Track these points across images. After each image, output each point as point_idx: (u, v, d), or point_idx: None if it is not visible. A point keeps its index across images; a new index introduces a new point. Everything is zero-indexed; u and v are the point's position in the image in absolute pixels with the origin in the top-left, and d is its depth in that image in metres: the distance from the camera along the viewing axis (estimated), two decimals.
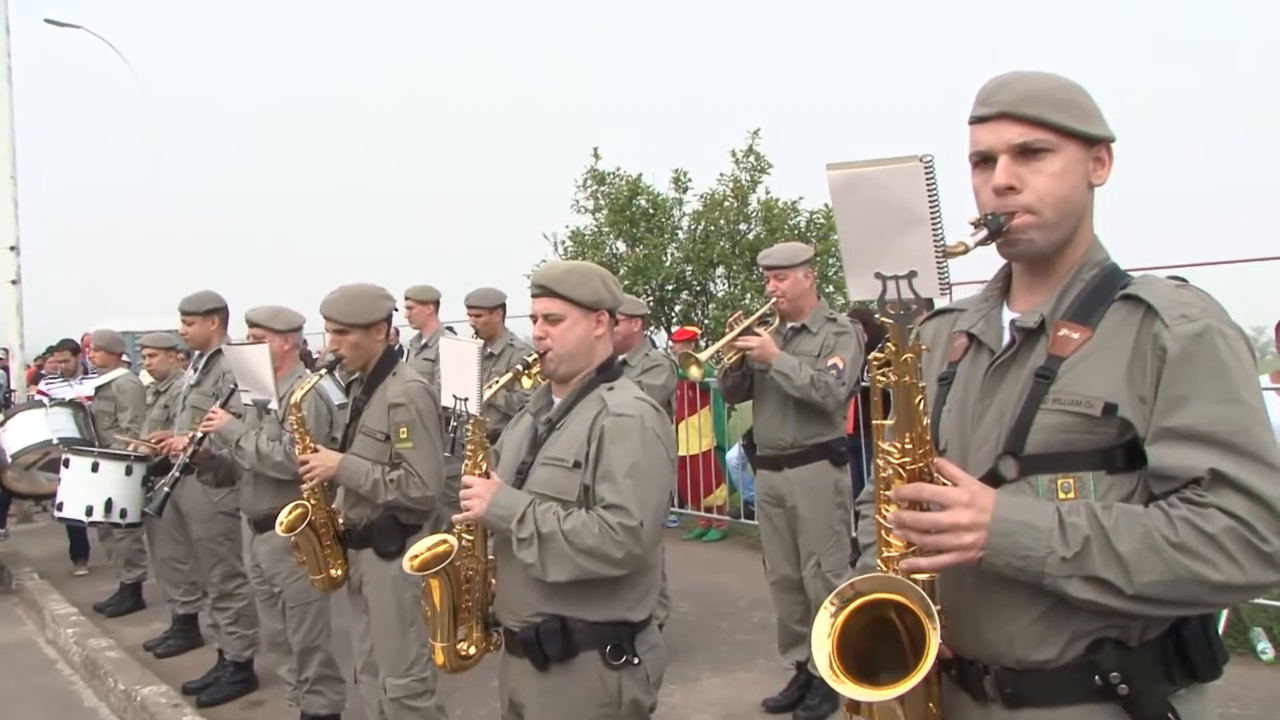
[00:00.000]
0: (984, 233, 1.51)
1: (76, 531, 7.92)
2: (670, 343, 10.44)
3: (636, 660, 2.43)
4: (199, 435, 4.59)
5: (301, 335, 4.81)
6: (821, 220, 13.26)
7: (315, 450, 3.61)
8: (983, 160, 1.58)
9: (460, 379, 2.55)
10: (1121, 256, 1.61)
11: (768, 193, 13.61)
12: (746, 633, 5.59)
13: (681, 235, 13.80)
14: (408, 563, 2.61)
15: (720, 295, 13.51)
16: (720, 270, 13.56)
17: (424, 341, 6.50)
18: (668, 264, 13.25)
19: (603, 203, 13.83)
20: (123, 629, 6.50)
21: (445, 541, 2.61)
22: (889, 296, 1.41)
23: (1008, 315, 1.66)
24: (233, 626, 5.28)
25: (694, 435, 8.20)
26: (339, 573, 3.73)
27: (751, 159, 13.54)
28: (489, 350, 5.69)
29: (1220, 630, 1.79)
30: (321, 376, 3.78)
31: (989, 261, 1.65)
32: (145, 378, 6.83)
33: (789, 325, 4.45)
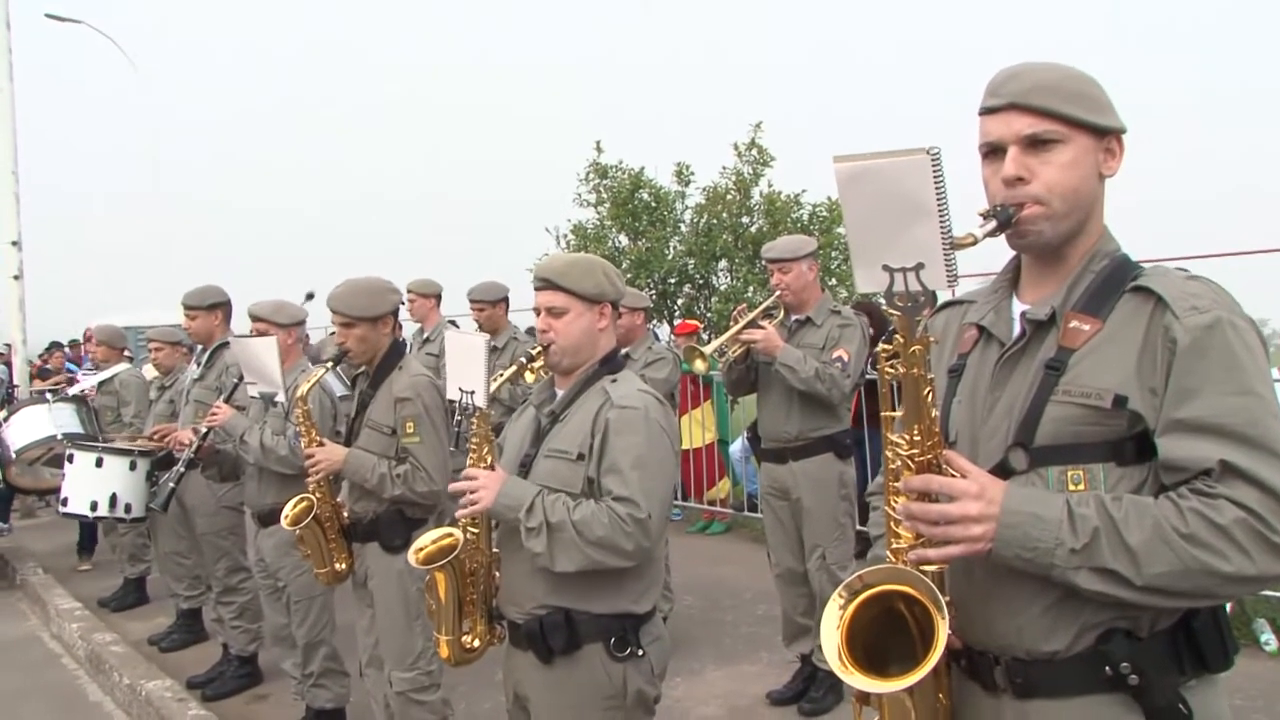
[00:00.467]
0: (993, 224, 1.51)
1: (86, 526, 7.93)
2: (672, 336, 10.45)
3: (641, 652, 2.43)
4: (204, 430, 4.60)
5: (304, 329, 4.81)
6: (824, 213, 13.28)
7: (321, 444, 3.61)
8: (992, 151, 1.58)
9: (466, 372, 2.55)
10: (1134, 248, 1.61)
11: (770, 186, 13.62)
12: (750, 625, 5.60)
13: (684, 228, 13.81)
14: (413, 556, 2.61)
15: (723, 288, 13.52)
16: (723, 263, 13.57)
17: (426, 335, 6.50)
18: (670, 257, 13.26)
19: (605, 196, 13.84)
20: (127, 624, 6.51)
21: (450, 535, 2.61)
22: (896, 288, 1.40)
23: (1017, 307, 1.66)
24: (237, 621, 5.29)
25: (696, 429, 8.21)
26: (343, 566, 3.73)
27: (754, 152, 13.55)
28: (492, 344, 5.69)
29: None
30: (327, 370, 3.78)
31: (996, 254, 1.65)
32: (149, 372, 6.83)
33: (793, 318, 4.45)
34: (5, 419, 6.98)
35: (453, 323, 6.92)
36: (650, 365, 5.06)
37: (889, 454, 1.55)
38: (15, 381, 10.83)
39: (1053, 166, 1.53)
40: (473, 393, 2.51)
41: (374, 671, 3.72)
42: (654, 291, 13.05)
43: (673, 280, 13.45)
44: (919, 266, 1.38)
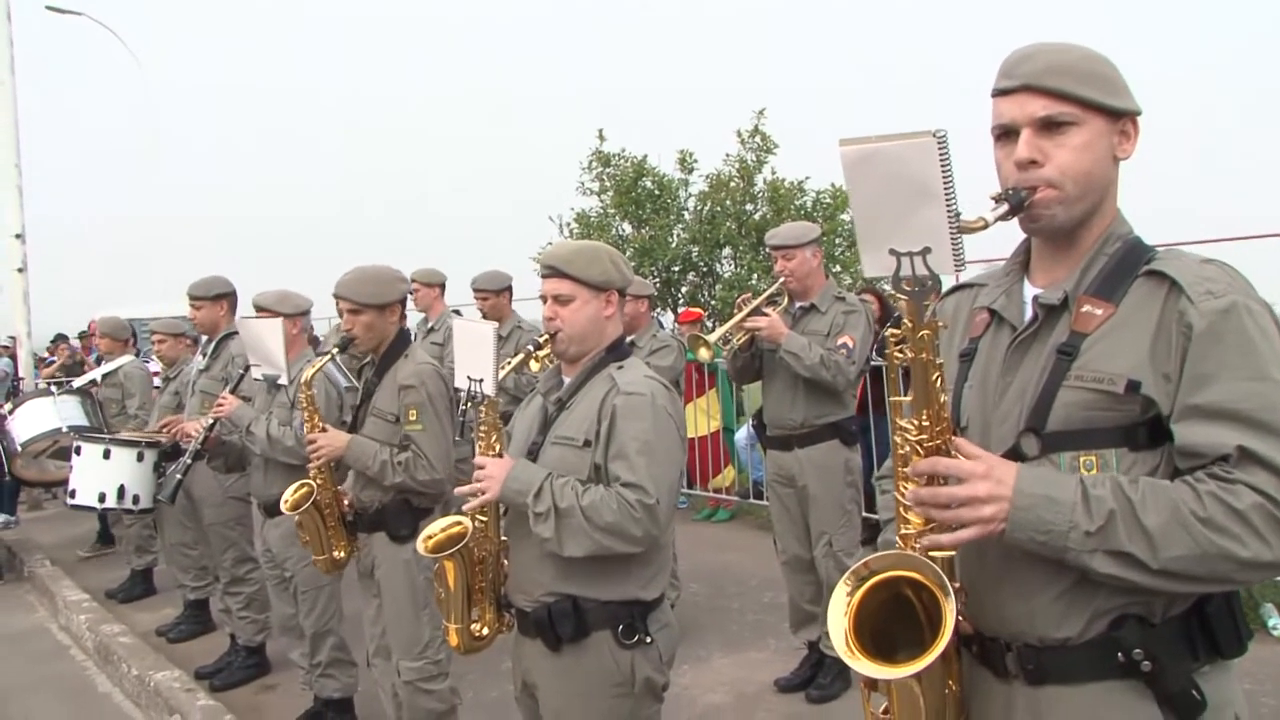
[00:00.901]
0: (1005, 207, 1.49)
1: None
2: (676, 324, 10.45)
3: (649, 639, 2.43)
4: (210, 421, 4.60)
5: (309, 319, 4.81)
6: (828, 200, 13.26)
7: (324, 430, 3.61)
8: (1005, 133, 1.56)
9: (475, 360, 2.54)
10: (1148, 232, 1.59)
11: (774, 173, 13.60)
12: (757, 612, 5.61)
13: (688, 216, 13.79)
14: (422, 545, 2.61)
15: (727, 276, 13.51)
16: (727, 251, 13.56)
17: (430, 325, 6.49)
18: (674, 245, 13.25)
19: (608, 185, 13.82)
20: (134, 615, 6.52)
21: (459, 523, 2.60)
22: (903, 273, 1.39)
23: (1029, 291, 1.64)
24: (245, 611, 5.30)
25: (702, 417, 8.20)
26: (342, 554, 3.74)
27: (757, 139, 13.51)
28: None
29: None
30: (331, 357, 3.77)
31: (1000, 240, 1.64)
32: (153, 364, 6.84)
33: (797, 305, 4.43)
34: (11, 412, 7.00)
35: (457, 312, 6.91)
36: (655, 353, 5.05)
37: (898, 439, 1.54)
38: (20, 374, 10.86)
39: (1066, 149, 1.51)
40: (481, 381, 2.51)
41: (381, 661, 3.72)
42: (658, 279, 13.04)
43: (677, 268, 13.44)
44: (926, 251, 1.37)
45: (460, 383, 2.57)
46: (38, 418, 6.73)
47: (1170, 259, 1.52)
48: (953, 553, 1.51)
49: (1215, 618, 1.47)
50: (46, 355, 12.29)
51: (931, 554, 1.48)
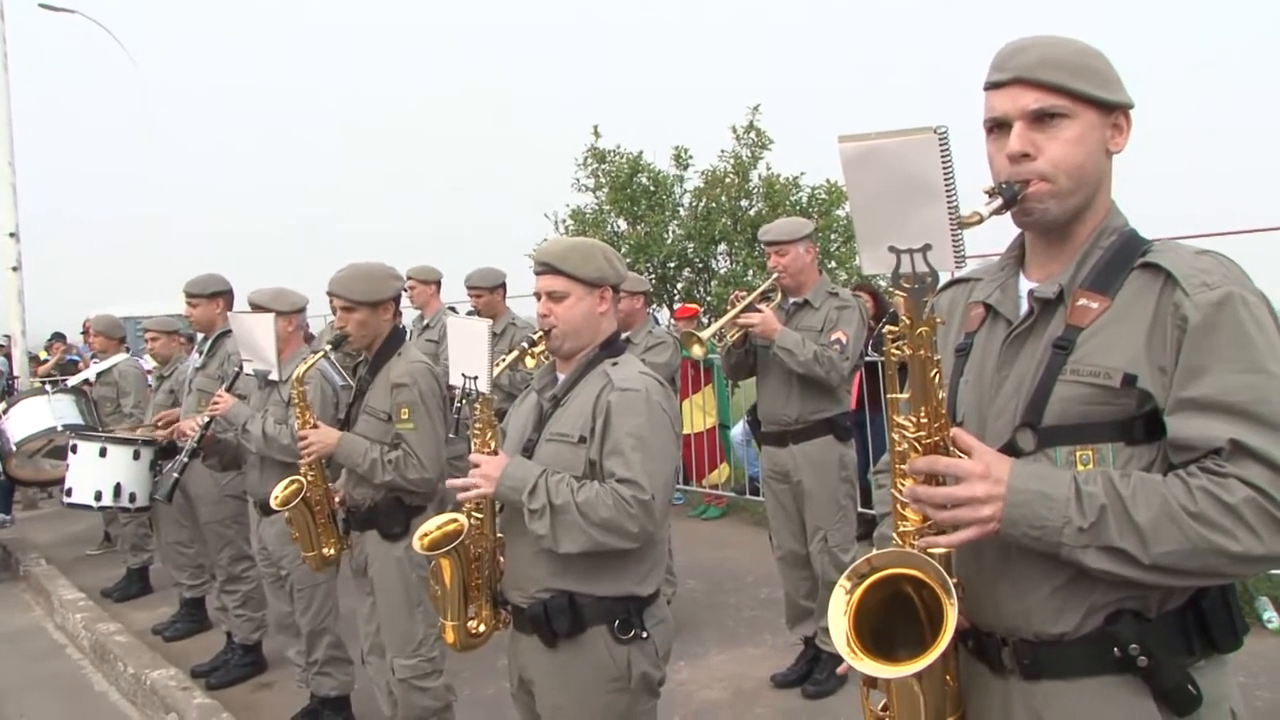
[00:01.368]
0: (999, 201, 1.49)
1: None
2: (672, 320, 10.44)
3: (645, 634, 2.43)
4: (206, 420, 4.59)
5: (305, 317, 4.80)
6: (823, 196, 13.26)
7: (315, 426, 3.61)
8: (997, 127, 1.56)
9: (469, 358, 2.53)
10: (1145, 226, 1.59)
11: (769, 169, 13.59)
12: (753, 608, 5.61)
13: (683, 212, 13.79)
14: (418, 542, 2.60)
15: (722, 272, 13.51)
16: (722, 247, 13.56)
17: (426, 322, 6.48)
18: (669, 241, 13.24)
19: (603, 181, 13.80)
20: (130, 613, 6.52)
21: (455, 520, 2.60)
22: (903, 270, 1.39)
23: (1024, 285, 1.64)
24: (241, 609, 5.29)
25: (697, 413, 8.20)
26: (331, 551, 3.74)
27: (752, 135, 13.50)
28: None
29: None
30: (324, 354, 3.77)
31: (996, 235, 1.63)
32: (147, 362, 6.82)
33: (791, 301, 4.43)
34: (5, 411, 6.98)
35: (452, 309, 6.90)
36: (651, 350, 5.05)
37: (895, 436, 1.53)
38: (15, 373, 10.83)
39: (1058, 142, 1.51)
40: (475, 378, 2.50)
41: (376, 659, 3.72)
42: (653, 276, 13.04)
43: (672, 264, 13.44)
44: (926, 248, 1.37)
45: (455, 380, 2.57)
46: (33, 417, 6.72)
47: (1165, 251, 1.52)
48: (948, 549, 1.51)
49: (1211, 612, 1.47)
50: (44, 354, 12.25)
51: (929, 551, 1.48)
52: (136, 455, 5.63)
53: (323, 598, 4.42)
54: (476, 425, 2.52)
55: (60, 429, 6.49)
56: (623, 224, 13.73)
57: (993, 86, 1.56)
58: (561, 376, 2.59)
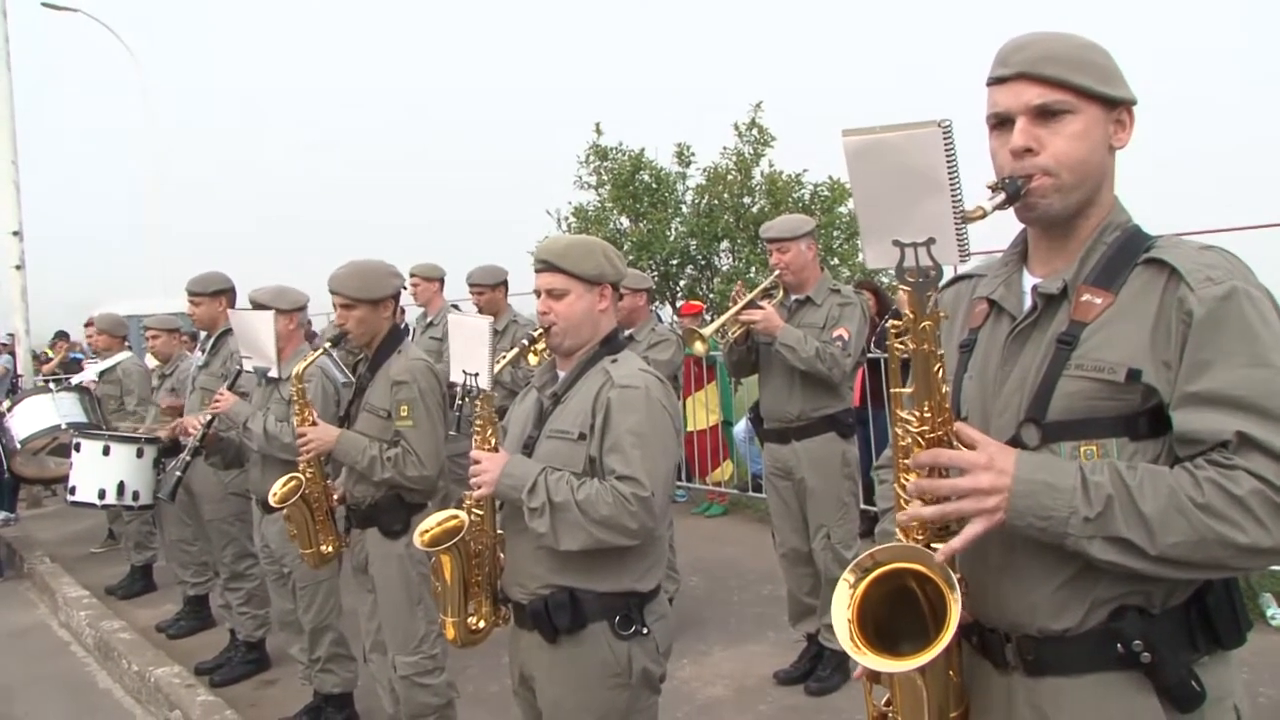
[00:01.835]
0: (1002, 196, 1.49)
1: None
2: (676, 317, 10.44)
3: (645, 630, 2.44)
4: (209, 418, 4.59)
5: (306, 314, 4.80)
6: (825, 193, 13.25)
7: (314, 423, 3.61)
8: (1000, 122, 1.55)
9: (470, 355, 2.54)
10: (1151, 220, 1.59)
11: (771, 166, 13.57)
12: (756, 605, 5.61)
13: (685, 210, 13.78)
14: (418, 539, 2.61)
15: (725, 269, 13.51)
16: (724, 244, 13.55)
17: (429, 320, 6.48)
18: (672, 239, 13.23)
19: (605, 178, 13.79)
20: (134, 611, 6.53)
21: (456, 517, 2.60)
22: (907, 264, 1.38)
23: (1028, 280, 1.63)
24: (245, 607, 5.30)
25: (701, 411, 8.20)
26: (329, 549, 3.74)
27: (754, 132, 13.49)
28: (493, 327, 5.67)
29: None
30: (323, 351, 3.77)
31: (997, 231, 1.63)
32: (149, 361, 6.82)
33: (793, 298, 4.43)
34: (10, 409, 6.99)
35: (456, 307, 6.90)
36: (654, 347, 5.05)
37: (899, 431, 1.53)
38: (20, 371, 10.84)
39: (1061, 137, 1.51)
40: (476, 375, 2.51)
41: (378, 656, 3.73)
42: (656, 273, 13.03)
43: (675, 262, 13.43)
44: (930, 241, 1.36)
45: (456, 377, 2.57)
46: (37, 415, 6.72)
47: (1169, 246, 1.51)
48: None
49: (1215, 608, 1.46)
50: (49, 352, 12.27)
51: (933, 545, 1.48)
52: (140, 453, 5.64)
53: (325, 595, 4.42)
54: (477, 422, 2.52)
55: (64, 427, 6.49)
56: (625, 221, 13.72)
57: (996, 81, 1.56)
58: (562, 374, 2.59)
